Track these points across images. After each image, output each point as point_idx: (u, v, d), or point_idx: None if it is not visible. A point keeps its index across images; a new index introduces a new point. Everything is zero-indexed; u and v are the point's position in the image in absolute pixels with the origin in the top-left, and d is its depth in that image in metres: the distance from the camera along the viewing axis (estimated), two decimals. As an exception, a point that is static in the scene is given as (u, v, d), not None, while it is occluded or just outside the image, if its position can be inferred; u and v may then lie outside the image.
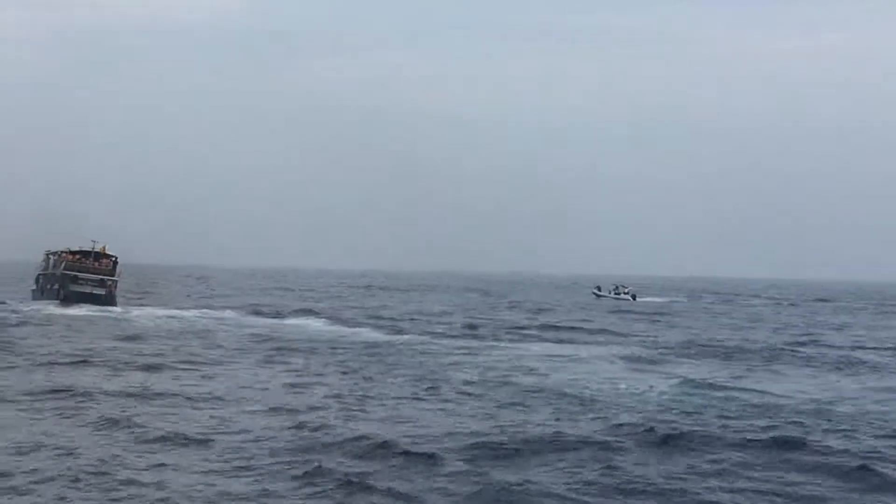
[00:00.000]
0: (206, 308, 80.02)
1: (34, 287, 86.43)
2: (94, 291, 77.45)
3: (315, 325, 63.68)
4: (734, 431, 25.34)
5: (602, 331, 62.91)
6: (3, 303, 76.33)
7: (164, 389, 31.39)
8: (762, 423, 26.97)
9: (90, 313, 68.43)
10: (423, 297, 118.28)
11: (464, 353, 45.54)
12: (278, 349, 45.81)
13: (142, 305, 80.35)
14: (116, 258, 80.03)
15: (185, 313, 72.07)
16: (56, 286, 78.84)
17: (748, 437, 24.47)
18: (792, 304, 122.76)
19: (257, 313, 75.08)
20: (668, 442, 23.88)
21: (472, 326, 64.73)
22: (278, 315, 73.50)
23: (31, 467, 20.35)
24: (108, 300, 77.23)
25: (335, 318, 70.13)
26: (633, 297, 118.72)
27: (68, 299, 75.99)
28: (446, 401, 30.30)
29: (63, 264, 78.06)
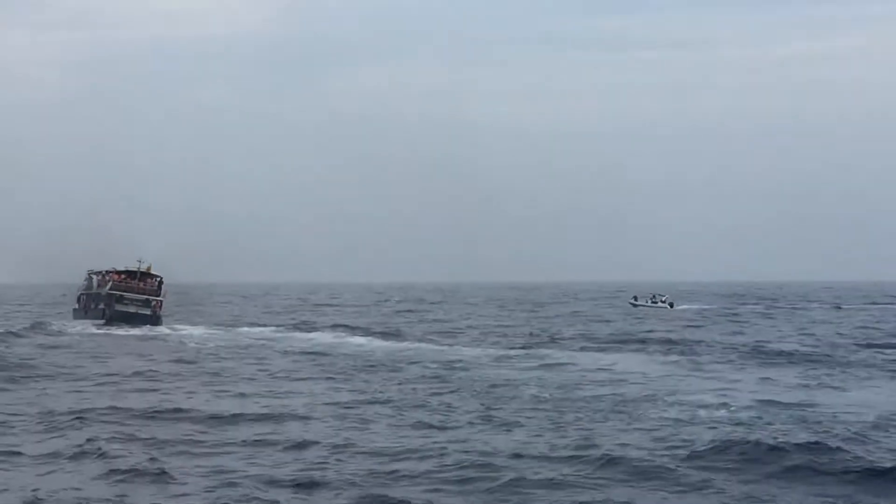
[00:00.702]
0: (258, 326, 79.12)
1: (76, 306, 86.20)
2: (140, 311, 77.18)
3: (374, 342, 61.76)
4: (835, 452, 23.50)
5: (663, 340, 60.82)
6: (42, 323, 75.57)
7: (225, 410, 30.17)
8: (866, 442, 25.16)
9: (139, 333, 67.77)
10: (472, 311, 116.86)
11: (531, 368, 44.08)
12: (338, 368, 44.53)
13: (190, 324, 79.50)
14: (161, 278, 79.65)
15: (235, 332, 71.05)
16: (101, 306, 78.41)
17: (848, 466, 22.48)
18: (836, 308, 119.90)
19: (311, 330, 73.87)
20: (775, 465, 22.37)
21: (531, 339, 63.18)
22: (333, 332, 72.13)
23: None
24: (154, 320, 76.87)
25: (392, 334, 68.66)
26: (671, 305, 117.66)
27: (113, 319, 75.49)
28: (518, 424, 28.65)
29: (109, 284, 77.54)
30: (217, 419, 29.18)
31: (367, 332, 70.96)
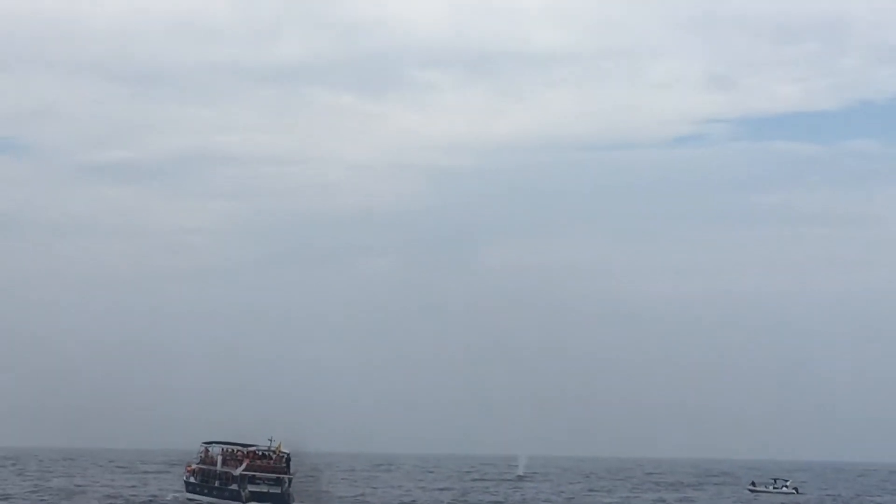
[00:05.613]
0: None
1: (190, 479, 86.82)
2: (271, 490, 77.97)
3: None
4: None
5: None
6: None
7: None
8: None
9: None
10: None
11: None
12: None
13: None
14: (289, 455, 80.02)
15: None
16: (232, 486, 78.95)
17: None
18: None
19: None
20: None
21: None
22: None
23: None
24: (286, 498, 77.35)
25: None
26: (797, 490, 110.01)
27: (248, 501, 76.20)
28: None
29: (243, 465, 78.20)
30: None
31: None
